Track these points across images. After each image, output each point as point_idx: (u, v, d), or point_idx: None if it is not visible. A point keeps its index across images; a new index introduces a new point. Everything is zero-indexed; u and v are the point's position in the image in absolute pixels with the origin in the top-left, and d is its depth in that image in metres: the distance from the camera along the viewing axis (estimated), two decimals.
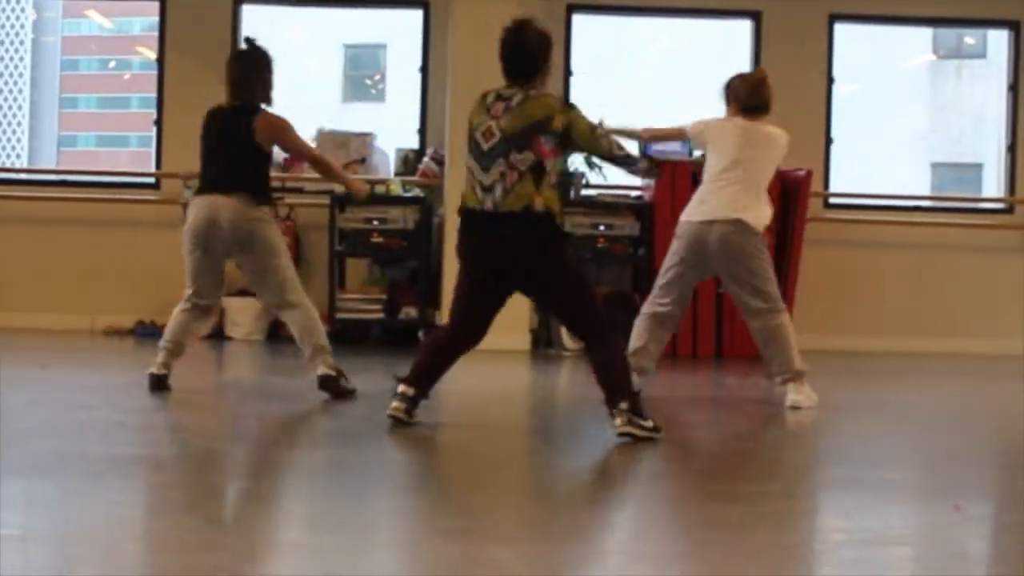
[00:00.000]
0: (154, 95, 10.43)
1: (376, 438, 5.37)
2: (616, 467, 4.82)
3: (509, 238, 5.29)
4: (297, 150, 6.66)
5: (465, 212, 5.40)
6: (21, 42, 53.05)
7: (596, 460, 4.98)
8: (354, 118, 14.64)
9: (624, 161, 5.60)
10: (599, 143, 5.47)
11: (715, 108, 6.73)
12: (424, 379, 5.47)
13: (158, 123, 10.33)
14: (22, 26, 52.72)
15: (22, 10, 51.69)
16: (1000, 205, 10.80)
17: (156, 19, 10.43)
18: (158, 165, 10.31)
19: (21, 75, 53.22)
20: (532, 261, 5.29)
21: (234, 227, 6.21)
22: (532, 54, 5.51)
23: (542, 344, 9.58)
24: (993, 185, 11.09)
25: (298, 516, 3.85)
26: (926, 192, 22.43)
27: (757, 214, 6.38)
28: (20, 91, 53.08)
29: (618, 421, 5.06)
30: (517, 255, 5.31)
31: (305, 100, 27.33)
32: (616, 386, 5.15)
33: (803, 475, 4.84)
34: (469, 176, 5.42)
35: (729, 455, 5.02)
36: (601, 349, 5.24)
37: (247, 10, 10.46)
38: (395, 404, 5.37)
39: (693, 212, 6.45)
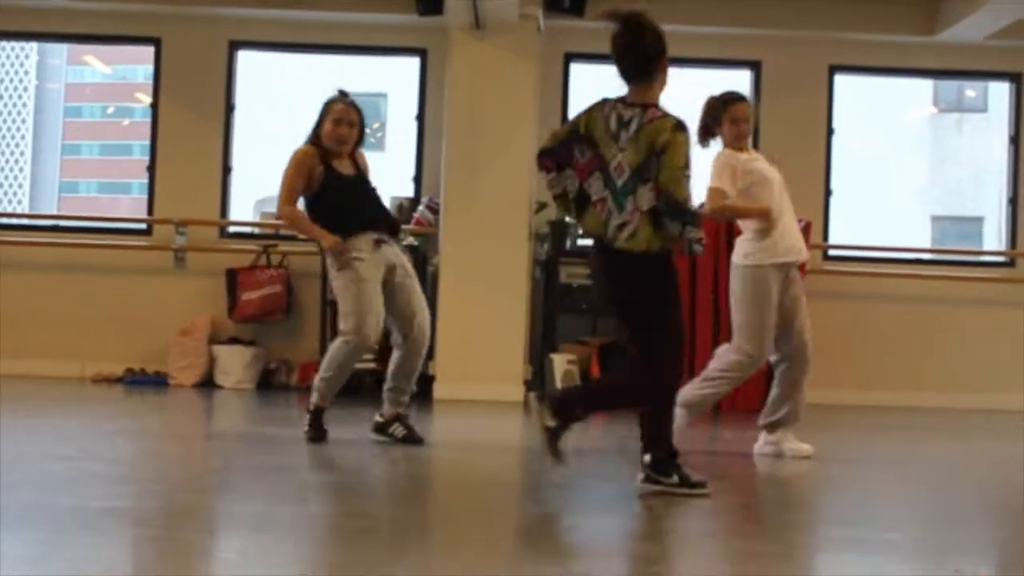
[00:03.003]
0: None
1: (362, 492, 5.23)
2: (604, 524, 4.66)
3: (607, 271, 5.13)
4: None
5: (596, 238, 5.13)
6: (25, 88, 53.25)
7: (584, 517, 4.83)
8: None
9: (687, 219, 4.93)
10: (680, 184, 4.89)
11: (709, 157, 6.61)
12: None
13: (151, 168, 10.25)
14: (26, 72, 52.93)
15: (26, 56, 51.90)
16: (1001, 258, 10.69)
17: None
18: (150, 211, 10.21)
19: (24, 121, 53.37)
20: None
21: None
22: (647, 57, 5.05)
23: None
24: (994, 238, 10.99)
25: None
26: (926, 245, 22.33)
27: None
28: (23, 137, 53.21)
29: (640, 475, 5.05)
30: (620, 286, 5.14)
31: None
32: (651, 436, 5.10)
33: (801, 535, 4.68)
34: (600, 205, 5.02)
35: (724, 513, 4.87)
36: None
37: (243, 56, 10.40)
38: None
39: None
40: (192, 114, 10.19)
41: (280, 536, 4.21)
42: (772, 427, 6.52)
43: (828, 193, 10.23)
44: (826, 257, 10.22)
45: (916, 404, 9.92)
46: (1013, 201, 10.52)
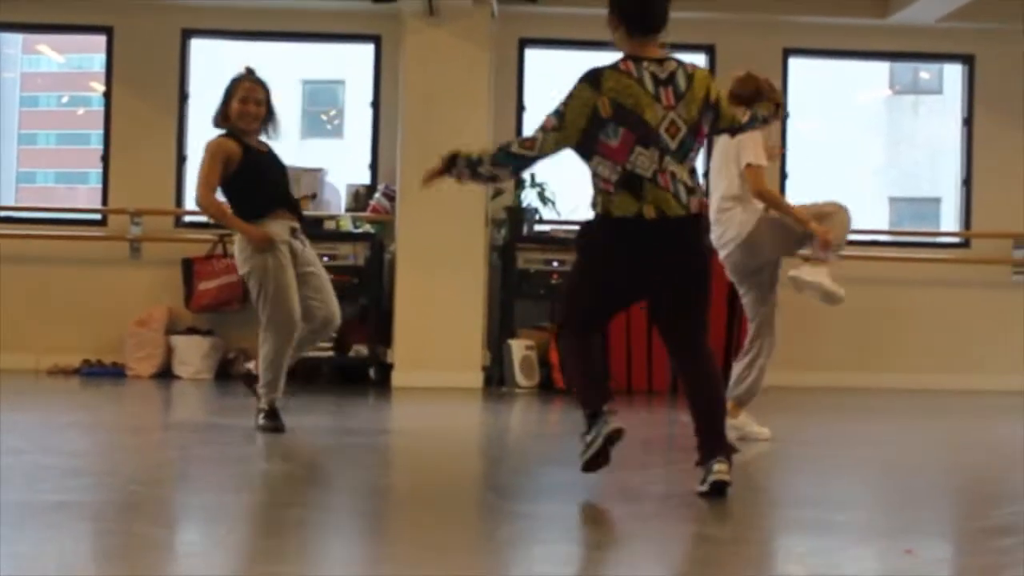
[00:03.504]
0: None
1: (318, 484, 5.21)
2: (561, 512, 4.67)
3: (686, 247, 4.71)
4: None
5: (660, 221, 4.60)
6: None
7: (541, 505, 4.83)
8: (312, 155, 14.54)
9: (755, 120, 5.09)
10: (735, 111, 4.94)
11: None
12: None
13: (105, 158, 10.18)
14: None
15: None
16: (956, 239, 10.77)
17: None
18: (105, 201, 10.14)
19: None
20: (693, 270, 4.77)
21: None
22: (667, 8, 4.79)
23: (494, 382, 9.45)
24: (951, 219, 11.06)
25: (229, 572, 3.67)
26: (884, 227, 22.44)
27: None
28: None
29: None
30: (684, 264, 4.74)
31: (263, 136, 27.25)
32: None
33: (755, 517, 4.71)
34: (663, 179, 4.61)
35: (678, 496, 4.88)
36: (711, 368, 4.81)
37: (196, 44, 10.34)
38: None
39: None
40: (146, 103, 10.13)
41: (234, 528, 4.20)
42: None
43: (784, 176, 10.27)
44: None
45: (872, 385, 9.99)
46: (967, 182, 10.60)
